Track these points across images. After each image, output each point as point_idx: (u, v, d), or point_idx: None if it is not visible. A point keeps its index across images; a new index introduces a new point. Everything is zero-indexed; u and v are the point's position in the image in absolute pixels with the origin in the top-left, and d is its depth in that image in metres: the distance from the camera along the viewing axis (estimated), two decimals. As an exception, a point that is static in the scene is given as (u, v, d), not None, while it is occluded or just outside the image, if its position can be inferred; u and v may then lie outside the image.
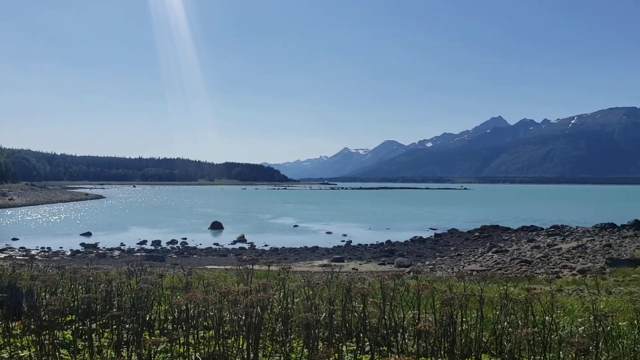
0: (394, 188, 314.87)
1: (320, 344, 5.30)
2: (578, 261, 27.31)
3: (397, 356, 5.37)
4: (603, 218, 54.14)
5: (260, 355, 5.11)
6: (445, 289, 6.08)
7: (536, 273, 24.07)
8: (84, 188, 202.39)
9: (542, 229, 48.91)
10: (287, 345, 5.31)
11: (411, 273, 23.96)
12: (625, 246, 33.41)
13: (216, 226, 53.29)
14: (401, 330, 5.76)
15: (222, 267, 22.22)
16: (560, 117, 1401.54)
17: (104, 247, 37.77)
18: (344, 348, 5.42)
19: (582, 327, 6.21)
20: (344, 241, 42.81)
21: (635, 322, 5.82)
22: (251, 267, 6.55)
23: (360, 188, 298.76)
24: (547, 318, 6.19)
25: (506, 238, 42.59)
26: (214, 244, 40.63)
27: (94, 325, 5.77)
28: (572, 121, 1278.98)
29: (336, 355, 4.93)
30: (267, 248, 38.36)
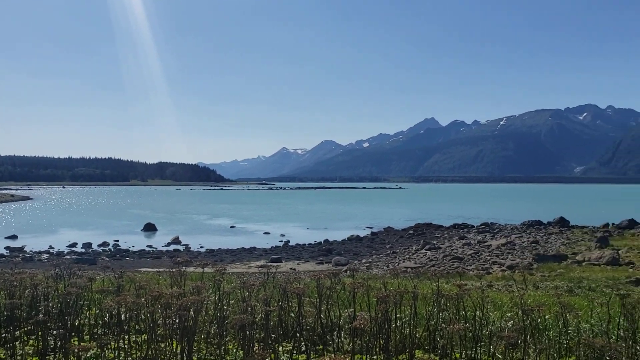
0: (332, 188, 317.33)
1: (256, 345, 5.24)
2: (507, 257, 28.36)
3: (332, 355, 5.39)
4: (530, 216, 56.48)
5: (194, 358, 4.99)
6: (380, 286, 6.15)
7: (467, 269, 24.81)
8: (10, 189, 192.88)
9: (473, 226, 50.56)
10: (222, 347, 5.22)
11: (348, 272, 24.20)
12: (551, 242, 35.02)
13: (149, 228, 51.94)
14: (337, 329, 5.78)
15: (156, 269, 21.66)
16: (489, 118, 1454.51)
17: (31, 251, 36.03)
18: (280, 349, 5.38)
19: (511, 322, 6.41)
20: (282, 241, 42.71)
21: (560, 315, 6.08)
22: (185, 269, 6.40)
23: (299, 188, 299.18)
24: (478, 313, 6.36)
25: (439, 235, 43.73)
26: (147, 246, 39.56)
27: (17, 333, 5.49)
28: (501, 122, 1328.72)
29: (272, 355, 4.89)
30: (202, 250, 37.71)
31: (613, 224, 46.27)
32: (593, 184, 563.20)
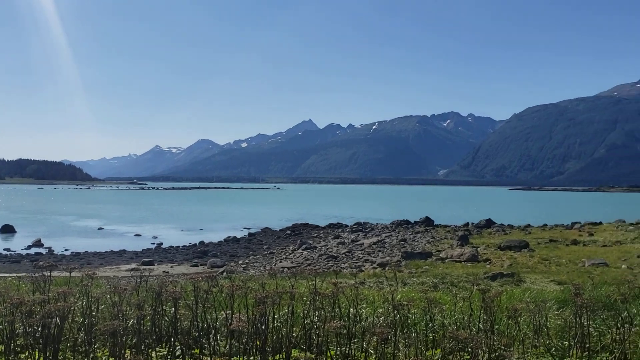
0: (209, 188, 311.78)
1: (128, 352, 5.02)
2: (378, 255, 29.59)
3: (209, 358, 5.30)
4: (399, 215, 59.39)
5: (59, 369, 4.67)
6: (258, 287, 6.15)
7: (342, 267, 25.55)
8: None
9: (347, 226, 52.16)
10: (91, 355, 4.94)
11: (225, 273, 23.91)
12: (418, 241, 37.09)
13: (7, 230, 47.74)
14: (214, 332, 5.70)
15: (15, 274, 19.96)
16: (363, 122, 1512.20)
17: None
18: (154, 354, 5.20)
19: (383, 317, 6.68)
20: (154, 243, 41.22)
21: (427, 310, 6.46)
22: (49, 274, 5.96)
23: (173, 188, 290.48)
24: (352, 310, 6.57)
25: (315, 235, 44.59)
26: (5, 249, 36.30)
27: None
28: (374, 127, 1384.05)
29: (145, 362, 4.71)
30: (67, 253, 35.30)
31: (472, 223, 49.98)
32: (455, 185, 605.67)
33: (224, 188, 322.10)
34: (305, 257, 31.20)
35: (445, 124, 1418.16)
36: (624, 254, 26.03)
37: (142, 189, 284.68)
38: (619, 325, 5.82)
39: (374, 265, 25.04)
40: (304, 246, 35.41)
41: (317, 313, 6.11)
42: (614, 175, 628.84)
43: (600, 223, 45.72)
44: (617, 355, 5.57)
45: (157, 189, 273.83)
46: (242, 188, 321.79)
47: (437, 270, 20.64)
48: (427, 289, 14.79)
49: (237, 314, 5.65)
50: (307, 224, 54.29)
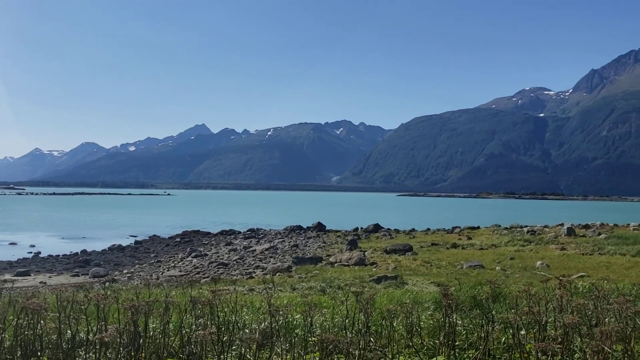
0: (93, 194, 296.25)
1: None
2: (270, 261, 29.63)
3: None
4: (292, 221, 59.83)
5: None
6: (132, 297, 5.94)
7: (232, 274, 25.30)
8: None
9: (240, 232, 51.72)
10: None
11: (106, 283, 22.82)
12: (309, 246, 37.57)
13: None
14: (85, 345, 5.42)
15: None
16: (258, 128, 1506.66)
17: None
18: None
19: (266, 323, 6.68)
20: (31, 252, 38.43)
21: (307, 314, 6.56)
22: None
23: (54, 193, 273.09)
24: (234, 317, 6.52)
25: (206, 242, 43.78)
26: None
27: None
28: (269, 133, 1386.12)
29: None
30: None
31: (362, 228, 51.47)
32: (347, 192, 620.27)
33: (109, 194, 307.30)
34: (194, 265, 30.54)
35: (338, 132, 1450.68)
36: (498, 256, 27.97)
37: (20, 194, 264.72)
38: (483, 323, 6.24)
39: (265, 272, 25.03)
40: (193, 254, 34.65)
41: (196, 321, 6.02)
42: (492, 182, 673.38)
43: (478, 227, 48.85)
44: (482, 351, 5.96)
45: (37, 194, 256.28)
46: (129, 194, 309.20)
47: (326, 274, 21.00)
48: (314, 293, 15.03)
49: (111, 325, 5.42)
50: (198, 231, 53.19)
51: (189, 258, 33.57)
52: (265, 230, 53.83)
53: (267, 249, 34.96)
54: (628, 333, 5.36)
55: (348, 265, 24.83)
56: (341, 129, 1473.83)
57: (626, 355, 5.18)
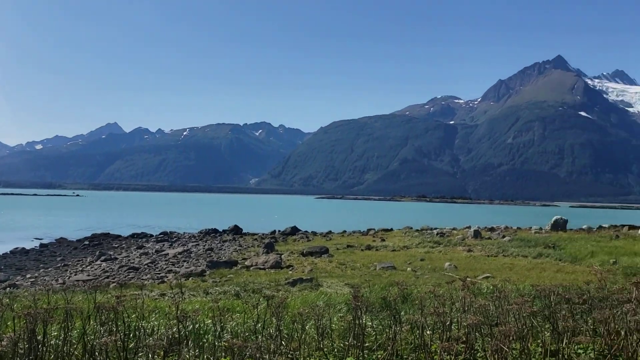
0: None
1: None
2: (183, 265, 28.96)
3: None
4: (208, 224, 58.81)
5: None
6: (29, 303, 5.61)
7: (143, 279, 24.50)
8: None
9: (152, 235, 50.21)
10: None
11: (6, 289, 21.43)
12: (225, 249, 37.08)
13: None
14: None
15: None
16: (174, 128, 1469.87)
17: None
18: None
19: (175, 328, 6.52)
20: None
21: (218, 318, 6.46)
22: None
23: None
24: (142, 323, 6.31)
25: (117, 246, 42.15)
26: None
27: None
28: (185, 133, 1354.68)
29: None
30: None
31: (279, 230, 51.44)
32: (265, 194, 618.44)
33: (13, 194, 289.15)
34: (104, 269, 29.31)
35: (257, 134, 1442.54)
36: (409, 257, 28.82)
37: None
38: (392, 324, 6.39)
39: (177, 276, 24.42)
40: (103, 257, 33.26)
41: (101, 328, 5.77)
42: (405, 186, 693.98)
43: (392, 229, 50.17)
44: (390, 352, 6.10)
45: None
46: (35, 194, 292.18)
47: (241, 278, 20.81)
48: (226, 297, 14.84)
49: (7, 335, 5.08)
50: (108, 233, 51.11)
51: (98, 262, 32.20)
52: (178, 233, 52.58)
53: (180, 253, 34.16)
54: (525, 332, 5.67)
55: (264, 269, 24.72)
56: (260, 130, 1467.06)
57: (523, 353, 5.48)
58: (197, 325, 6.57)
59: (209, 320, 7.16)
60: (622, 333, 5.55)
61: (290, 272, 23.66)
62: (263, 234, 49.33)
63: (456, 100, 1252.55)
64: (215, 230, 51.42)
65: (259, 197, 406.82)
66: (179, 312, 5.74)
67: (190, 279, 22.18)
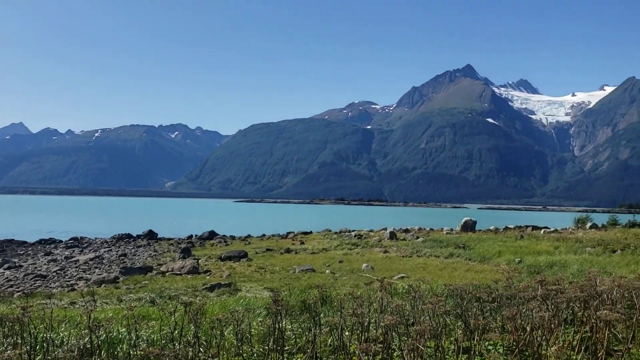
0: None
1: None
2: (94, 272, 27.77)
3: None
4: (121, 229, 56.75)
5: None
6: None
7: (51, 287, 23.26)
8: None
9: (62, 241, 47.80)
10: None
11: None
12: (139, 255, 35.92)
13: None
14: None
15: None
16: (84, 129, 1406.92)
17: None
18: None
19: (87, 339, 6.26)
20: None
21: (132, 327, 6.24)
22: None
23: None
24: (51, 334, 5.99)
25: (22, 252, 39.73)
26: None
27: None
28: (96, 134, 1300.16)
29: None
30: None
31: (196, 235, 50.50)
32: (182, 198, 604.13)
33: None
34: (7, 277, 27.52)
35: (173, 136, 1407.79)
36: (328, 260, 29.14)
37: None
38: (312, 327, 6.44)
39: (89, 283, 23.38)
40: (6, 265, 31.23)
41: (5, 341, 5.44)
42: (324, 189, 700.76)
43: (311, 232, 50.55)
44: (310, 354, 6.14)
45: None
46: None
47: (157, 284, 20.23)
48: (143, 304, 14.38)
49: None
50: (13, 240, 48.05)
51: (1, 270, 30.20)
52: (90, 239, 50.34)
53: (92, 259, 32.73)
54: (439, 331, 5.89)
55: (180, 274, 24.16)
56: (176, 132, 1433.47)
57: (437, 351, 5.68)
58: (110, 334, 6.33)
59: (123, 329, 6.91)
60: (528, 329, 5.89)
61: (208, 277, 23.27)
62: (179, 239, 48.22)
63: (373, 106, 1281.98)
64: (129, 236, 49.71)
65: (175, 201, 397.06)
66: (90, 321, 5.50)
67: (102, 286, 21.31)
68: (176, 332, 6.45)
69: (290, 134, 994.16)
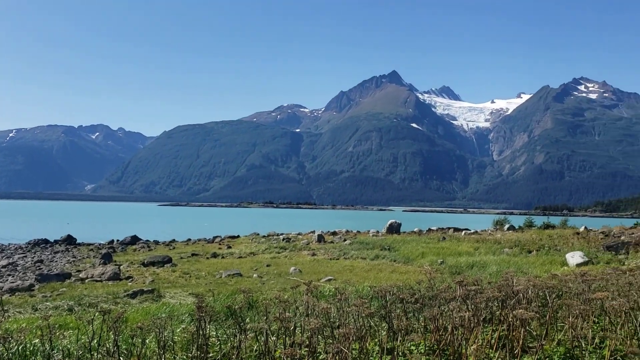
0: None
1: None
2: (7, 280, 26.24)
3: None
4: (37, 234, 54.03)
5: None
6: None
7: (-42, 298, 21.77)
8: None
9: (-30, 248, 44.85)
10: None
11: None
12: (57, 261, 34.27)
13: None
14: None
15: None
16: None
17: None
18: None
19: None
20: None
21: (47, 337, 5.93)
22: None
23: None
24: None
25: None
26: None
27: None
28: (11, 134, 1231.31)
29: None
30: None
31: (118, 240, 48.77)
32: (103, 201, 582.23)
33: None
34: None
35: (93, 137, 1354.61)
36: (256, 264, 28.94)
37: None
38: (237, 332, 6.35)
39: (1, 292, 22.05)
40: None
41: None
42: (252, 192, 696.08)
43: (238, 236, 50.02)
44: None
45: None
46: None
47: (76, 291, 19.38)
48: (61, 313, 13.73)
49: None
50: None
51: None
52: (2, 244, 47.54)
53: (4, 266, 30.91)
54: (364, 332, 5.96)
55: (101, 281, 23.26)
56: (97, 133, 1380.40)
57: (362, 353, 5.75)
58: (22, 346, 5.99)
59: (37, 340, 6.56)
60: (449, 328, 6.07)
61: (130, 283, 22.53)
62: (100, 244, 46.41)
63: (302, 109, 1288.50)
64: (45, 241, 47.33)
65: (96, 205, 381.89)
66: (1, 332, 5.18)
67: (16, 294, 20.17)
68: (95, 341, 6.19)
69: (218, 136, 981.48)
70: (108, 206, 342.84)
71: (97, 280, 23.40)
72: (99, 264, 29.02)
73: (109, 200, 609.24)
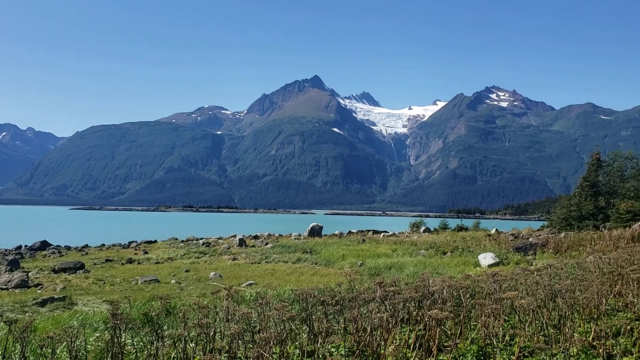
0: None
1: None
2: None
3: None
4: None
5: None
6: None
7: None
8: None
9: None
10: None
11: None
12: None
13: None
14: None
15: None
16: None
17: None
18: None
19: None
20: None
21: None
22: None
23: None
24: None
25: None
26: None
27: None
28: None
29: None
30: None
31: (26, 246, 46.16)
32: (10, 205, 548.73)
33: None
34: None
35: (0, 137, 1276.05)
36: (174, 269, 28.27)
37: None
38: (154, 340, 6.18)
39: None
40: None
41: None
42: (171, 196, 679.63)
43: (155, 241, 48.66)
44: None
45: None
46: None
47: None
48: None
49: None
50: None
51: None
52: None
53: None
54: (285, 336, 5.97)
55: (7, 289, 21.91)
56: (4, 133, 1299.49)
57: (282, 356, 5.75)
58: None
59: None
60: (369, 329, 6.20)
61: (40, 291, 21.38)
62: (6, 250, 43.69)
63: (223, 111, 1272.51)
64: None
65: (2, 209, 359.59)
66: None
67: None
68: (0, 353, 5.84)
69: (134, 137, 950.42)
70: (15, 210, 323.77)
71: (2, 288, 22.03)
72: (5, 271, 27.31)
73: (17, 204, 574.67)
